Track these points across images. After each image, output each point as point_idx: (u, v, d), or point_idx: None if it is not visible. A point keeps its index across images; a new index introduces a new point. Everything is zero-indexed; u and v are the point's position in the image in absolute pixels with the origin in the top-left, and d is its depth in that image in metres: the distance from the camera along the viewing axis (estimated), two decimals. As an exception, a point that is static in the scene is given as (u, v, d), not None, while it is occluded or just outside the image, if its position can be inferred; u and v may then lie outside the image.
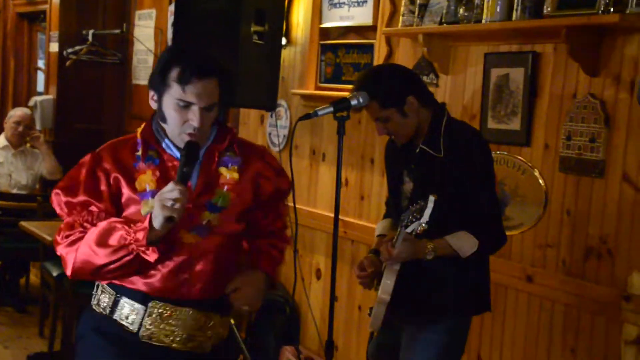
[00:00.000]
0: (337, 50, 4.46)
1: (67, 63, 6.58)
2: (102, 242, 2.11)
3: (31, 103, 6.79)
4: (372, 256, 2.85)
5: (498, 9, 3.27)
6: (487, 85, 3.48)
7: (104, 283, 2.25)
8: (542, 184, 3.25)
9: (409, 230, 2.55)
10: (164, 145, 2.23)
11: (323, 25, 4.54)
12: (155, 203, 2.06)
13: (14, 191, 5.85)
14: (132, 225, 2.10)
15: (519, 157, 3.35)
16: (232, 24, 4.24)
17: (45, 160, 6.09)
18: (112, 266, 2.12)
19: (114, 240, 2.10)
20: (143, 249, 2.07)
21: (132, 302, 2.21)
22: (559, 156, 3.18)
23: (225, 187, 2.25)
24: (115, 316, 2.23)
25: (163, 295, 2.20)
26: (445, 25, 3.54)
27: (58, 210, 2.25)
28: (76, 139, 6.63)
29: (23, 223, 4.91)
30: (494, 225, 2.74)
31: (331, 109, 2.66)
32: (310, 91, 4.58)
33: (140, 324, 2.20)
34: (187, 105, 2.13)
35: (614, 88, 2.96)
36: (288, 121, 4.81)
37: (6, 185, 5.89)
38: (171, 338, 2.22)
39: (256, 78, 4.38)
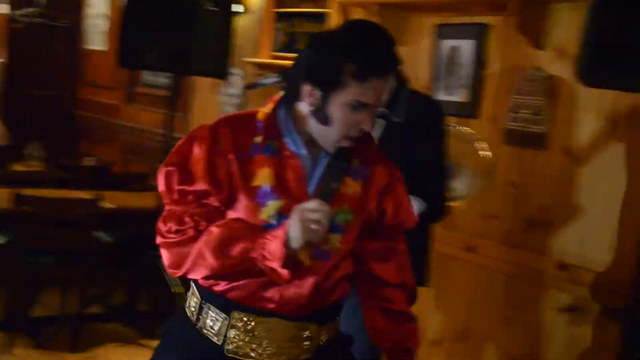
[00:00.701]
0: (292, 19, 4.52)
1: (17, 26, 6.52)
2: (221, 252, 1.84)
3: (-22, 67, 6.75)
4: None
5: (450, -19, 3.36)
6: (437, 56, 3.56)
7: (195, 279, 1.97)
8: (487, 155, 3.32)
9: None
10: (287, 139, 1.90)
11: (278, -7, 4.60)
12: (296, 222, 1.75)
13: (-41, 157, 5.80)
14: (257, 234, 1.82)
15: (467, 129, 3.41)
16: (183, -12, 4.26)
17: (-7, 126, 6.05)
18: (227, 274, 1.91)
19: (235, 251, 1.83)
20: (274, 267, 1.79)
21: (216, 310, 1.95)
22: (504, 129, 3.27)
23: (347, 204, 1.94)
24: (200, 325, 1.96)
25: (246, 305, 1.93)
26: (398, -5, 3.62)
27: (163, 190, 1.92)
28: (27, 105, 6.60)
29: (-32, 188, 4.87)
30: (441, 194, 2.80)
31: (276, 78, 2.67)
32: (265, 60, 4.63)
33: (225, 336, 1.94)
34: (360, 106, 1.82)
35: (559, 62, 3.05)
36: (240, 90, 4.86)
37: (-49, 151, 5.85)
38: (259, 352, 1.95)
39: (210, 45, 4.40)
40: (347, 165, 1.89)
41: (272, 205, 1.85)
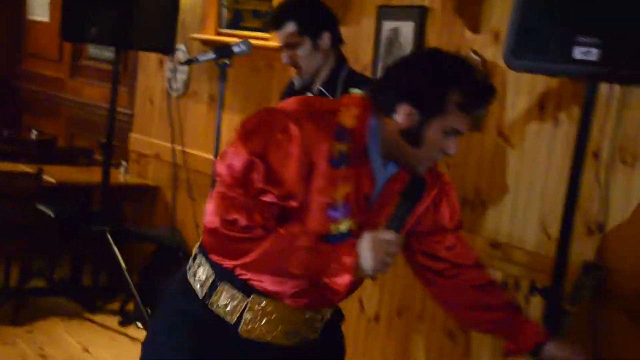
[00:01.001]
0: (238, -4, 4.52)
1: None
2: (287, 260, 1.81)
3: None
4: None
5: (390, -38, 3.40)
6: (379, 37, 3.60)
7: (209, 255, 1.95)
8: (426, 137, 3.41)
9: None
10: (373, 156, 1.86)
11: (223, -31, 4.59)
12: (370, 253, 1.75)
13: None
14: (327, 254, 1.79)
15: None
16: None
17: None
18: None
19: (301, 264, 1.81)
20: (335, 288, 1.79)
21: (233, 289, 1.94)
22: (441, 110, 3.33)
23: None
24: (210, 301, 1.95)
25: (267, 293, 1.93)
26: (340, -25, 3.64)
27: (234, 177, 1.79)
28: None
29: None
30: None
31: (213, 55, 2.72)
32: (210, 36, 4.62)
33: (240, 317, 1.94)
34: (455, 133, 1.81)
35: (494, 46, 3.12)
36: (187, 66, 4.84)
37: None
38: (274, 334, 1.97)
39: (154, 21, 4.41)
40: (422, 196, 1.89)
41: (344, 224, 1.83)
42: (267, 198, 1.78)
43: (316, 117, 1.81)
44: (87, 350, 4.24)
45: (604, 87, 2.63)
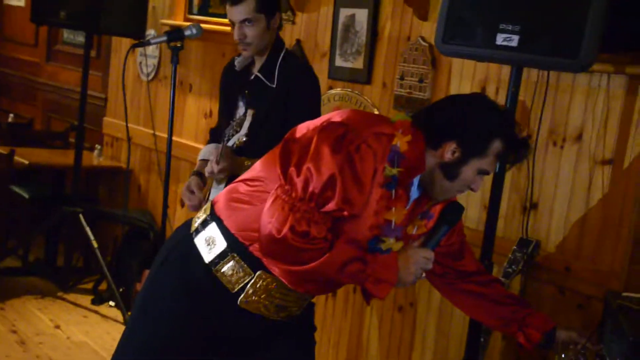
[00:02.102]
0: (206, -18, 4.58)
1: None
2: (341, 270, 1.92)
3: None
4: (197, 178, 2.99)
5: (346, -49, 3.49)
6: (336, 24, 3.67)
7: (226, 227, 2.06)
8: (380, 120, 3.51)
9: (230, 143, 2.69)
10: (414, 181, 2.00)
11: (192, -42, 4.64)
12: (412, 268, 1.96)
13: None
14: (373, 265, 1.92)
15: (362, 95, 3.58)
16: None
17: None
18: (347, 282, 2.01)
19: (351, 271, 1.92)
20: (377, 290, 1.94)
21: (241, 261, 2.05)
22: (393, 94, 3.42)
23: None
24: (215, 268, 2.06)
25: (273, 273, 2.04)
26: (300, -37, 3.73)
27: (302, 187, 1.88)
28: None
29: None
30: None
31: (165, 37, 2.81)
32: (179, 22, 4.65)
33: (243, 289, 2.06)
34: (485, 174, 2.02)
35: (441, 32, 3.22)
36: (158, 51, 4.90)
37: None
38: (269, 308, 2.10)
39: (124, 6, 4.46)
40: (459, 220, 2.09)
41: (394, 245, 1.97)
42: (329, 208, 1.88)
43: (379, 139, 1.91)
44: (58, 327, 4.30)
45: (535, 73, 2.75)
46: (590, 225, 2.70)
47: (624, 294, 2.27)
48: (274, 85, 2.90)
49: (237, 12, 2.86)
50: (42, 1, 4.53)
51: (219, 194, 2.19)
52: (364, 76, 3.56)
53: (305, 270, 1.91)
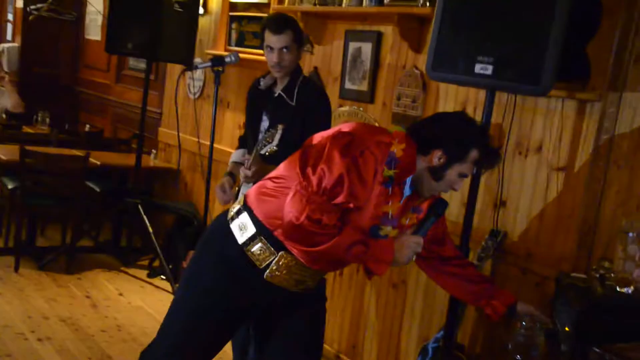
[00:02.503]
0: (242, 21, 4.57)
1: (30, 17, 6.49)
2: (348, 251, 1.94)
3: (-1, 49, 6.71)
4: (229, 178, 2.97)
5: (354, -3, 3.50)
6: (346, 55, 3.68)
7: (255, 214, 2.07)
8: (380, 132, 3.51)
9: (262, 151, 2.67)
10: (407, 181, 2.03)
11: (232, 0, 4.64)
12: (406, 250, 1.96)
13: (-18, 120, 5.82)
14: (373, 247, 1.95)
15: (365, 112, 3.59)
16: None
17: (10, 97, 6.03)
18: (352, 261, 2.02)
19: (355, 252, 1.94)
20: (376, 268, 1.95)
21: (267, 244, 2.06)
22: (392, 112, 3.43)
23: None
24: (246, 248, 2.08)
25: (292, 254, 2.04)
26: (317, 6, 3.72)
27: (317, 184, 1.91)
28: (35, 81, 6.59)
29: (-17, 145, 4.93)
30: None
31: (210, 63, 2.82)
32: (221, 52, 4.67)
33: (268, 265, 2.07)
34: (464, 177, 2.05)
35: (430, 62, 3.22)
36: (203, 75, 4.93)
37: (-24, 115, 5.86)
38: (289, 282, 2.11)
39: (177, 39, 4.51)
40: (444, 213, 2.10)
41: (390, 232, 2.02)
42: (338, 201, 1.91)
43: (379, 146, 1.94)
44: (121, 294, 4.36)
45: (504, 96, 2.75)
46: (547, 219, 2.69)
47: (572, 274, 2.27)
48: (294, 103, 2.89)
49: (279, 40, 2.85)
50: (114, 36, 4.59)
51: (249, 189, 2.21)
52: (368, 97, 3.56)
53: (319, 251, 1.93)
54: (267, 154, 2.66)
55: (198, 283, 2.17)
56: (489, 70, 2.24)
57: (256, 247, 2.06)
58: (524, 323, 2.13)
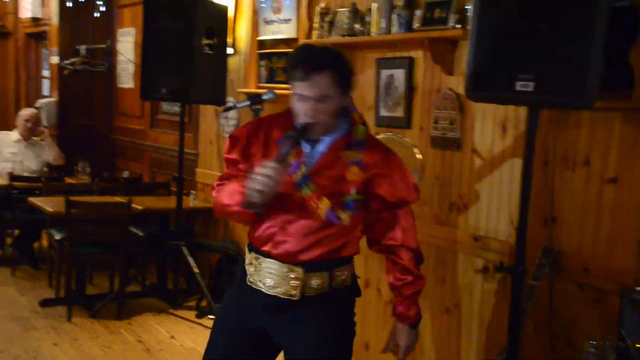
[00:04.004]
0: (271, 58, 4.62)
1: (65, 72, 6.65)
2: (228, 195, 2.05)
3: (38, 104, 6.83)
4: None
5: (383, 25, 3.48)
6: (378, 82, 3.68)
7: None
8: (419, 157, 3.46)
9: None
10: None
11: (260, 38, 4.69)
12: (251, 178, 1.92)
13: (25, 174, 5.94)
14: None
15: (403, 137, 3.57)
16: (187, 38, 4.41)
17: (51, 150, 6.18)
18: (228, 209, 2.05)
19: (234, 193, 2.01)
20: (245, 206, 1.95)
21: (247, 250, 2.16)
22: (430, 136, 3.41)
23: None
24: (245, 262, 2.17)
25: (257, 248, 2.09)
26: (346, 37, 3.73)
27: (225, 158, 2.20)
28: (73, 132, 6.73)
29: (31, 199, 5.00)
30: None
31: (248, 102, 2.80)
32: (252, 90, 4.70)
33: (247, 270, 2.14)
34: (299, 98, 2.00)
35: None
36: (236, 114, 4.96)
37: (19, 170, 5.97)
38: (264, 283, 2.08)
39: (209, 80, 4.56)
40: (300, 139, 1.99)
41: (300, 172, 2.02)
42: (228, 164, 2.14)
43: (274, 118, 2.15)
44: (173, 337, 4.35)
45: (546, 113, 2.71)
46: (602, 232, 2.62)
47: (638, 287, 2.19)
48: None
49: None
50: (148, 82, 4.66)
51: None
52: (404, 122, 3.54)
53: (220, 202, 2.08)
54: None
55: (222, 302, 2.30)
56: (530, 86, 2.20)
57: (247, 258, 2.16)
58: (593, 342, 2.06)
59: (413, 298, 2.19)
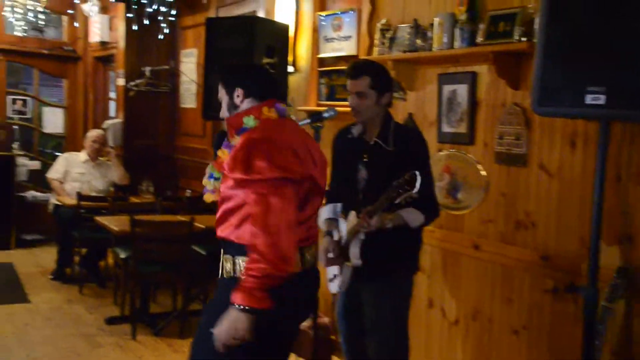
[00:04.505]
0: (332, 75, 4.64)
1: (130, 93, 6.88)
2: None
3: (104, 125, 7.08)
4: (329, 238, 2.94)
5: (445, 40, 3.46)
6: (440, 98, 3.65)
7: None
8: (484, 174, 3.42)
9: (397, 200, 2.59)
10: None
11: (320, 56, 4.72)
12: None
13: (93, 194, 6.16)
14: None
15: (467, 154, 3.53)
16: (249, 57, 4.48)
17: (116, 170, 6.40)
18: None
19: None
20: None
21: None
22: (494, 152, 3.35)
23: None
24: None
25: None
26: (407, 53, 3.72)
27: None
28: (138, 152, 6.93)
29: (97, 218, 5.16)
30: (433, 203, 2.93)
31: (309, 120, 2.86)
32: (313, 107, 4.74)
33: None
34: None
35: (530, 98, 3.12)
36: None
37: (87, 190, 6.20)
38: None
39: (270, 100, 4.60)
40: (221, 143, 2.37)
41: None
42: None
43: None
44: (233, 356, 4.39)
45: (618, 127, 2.62)
46: (682, 252, 2.51)
47: None
48: (391, 148, 2.87)
49: (353, 85, 2.89)
50: (210, 102, 4.75)
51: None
52: (467, 138, 3.50)
53: None
54: (403, 202, 2.60)
55: None
56: (601, 99, 2.15)
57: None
58: None
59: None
